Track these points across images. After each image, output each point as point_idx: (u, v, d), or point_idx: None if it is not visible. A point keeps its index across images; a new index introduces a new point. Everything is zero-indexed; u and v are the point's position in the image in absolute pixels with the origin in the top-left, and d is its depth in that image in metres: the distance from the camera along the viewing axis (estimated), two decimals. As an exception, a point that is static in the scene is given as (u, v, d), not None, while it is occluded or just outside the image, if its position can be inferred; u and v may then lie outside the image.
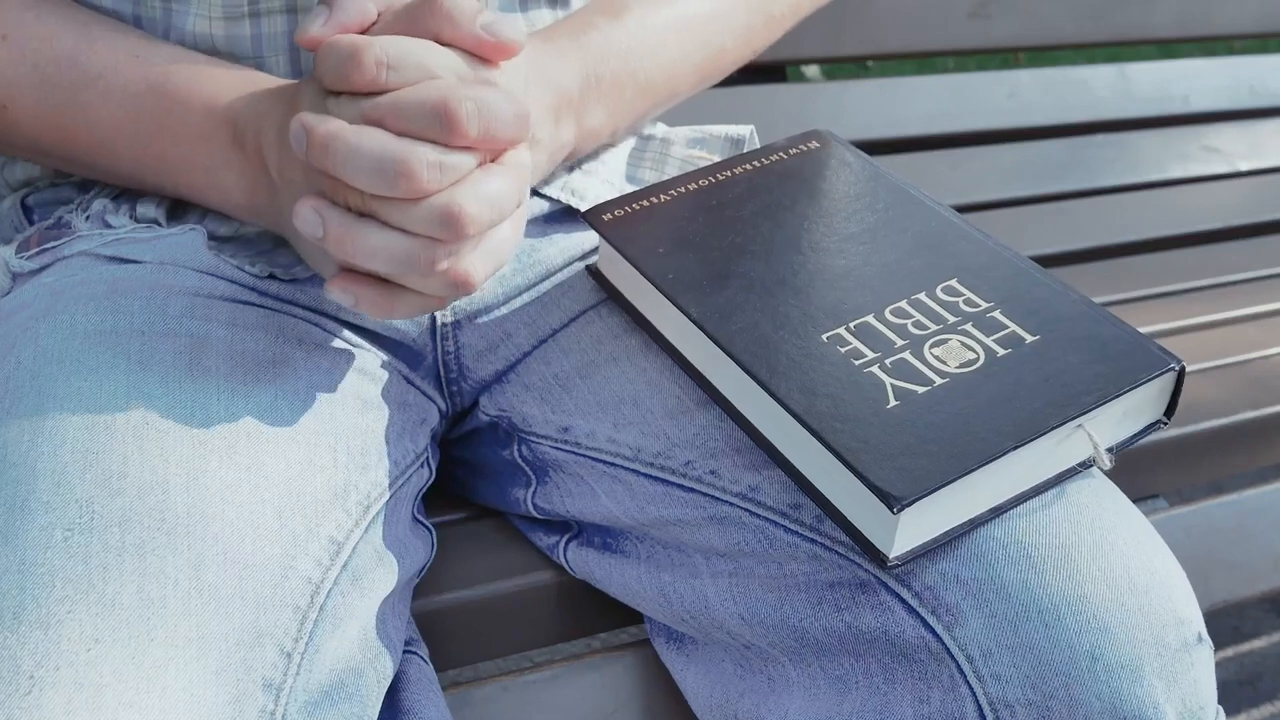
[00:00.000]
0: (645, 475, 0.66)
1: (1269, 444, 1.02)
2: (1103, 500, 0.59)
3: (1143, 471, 0.96)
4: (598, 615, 0.76)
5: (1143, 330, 0.99)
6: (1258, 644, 1.53)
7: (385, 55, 0.53)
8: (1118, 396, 0.59)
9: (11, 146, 0.68)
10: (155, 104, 0.62)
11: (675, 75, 0.74)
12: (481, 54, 0.56)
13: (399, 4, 0.57)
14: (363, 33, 0.56)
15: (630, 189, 0.77)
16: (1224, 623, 1.54)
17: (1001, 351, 0.60)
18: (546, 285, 0.73)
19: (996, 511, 0.57)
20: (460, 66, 0.55)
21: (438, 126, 0.52)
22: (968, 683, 0.55)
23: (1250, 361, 1.08)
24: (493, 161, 0.55)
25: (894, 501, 0.53)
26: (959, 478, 0.54)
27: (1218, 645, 1.48)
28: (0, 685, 0.45)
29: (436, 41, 0.55)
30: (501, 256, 0.57)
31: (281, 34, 0.66)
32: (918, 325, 0.62)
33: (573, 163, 0.75)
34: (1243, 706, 1.43)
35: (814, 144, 0.76)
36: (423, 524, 0.70)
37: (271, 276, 0.66)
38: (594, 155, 0.77)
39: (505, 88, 0.55)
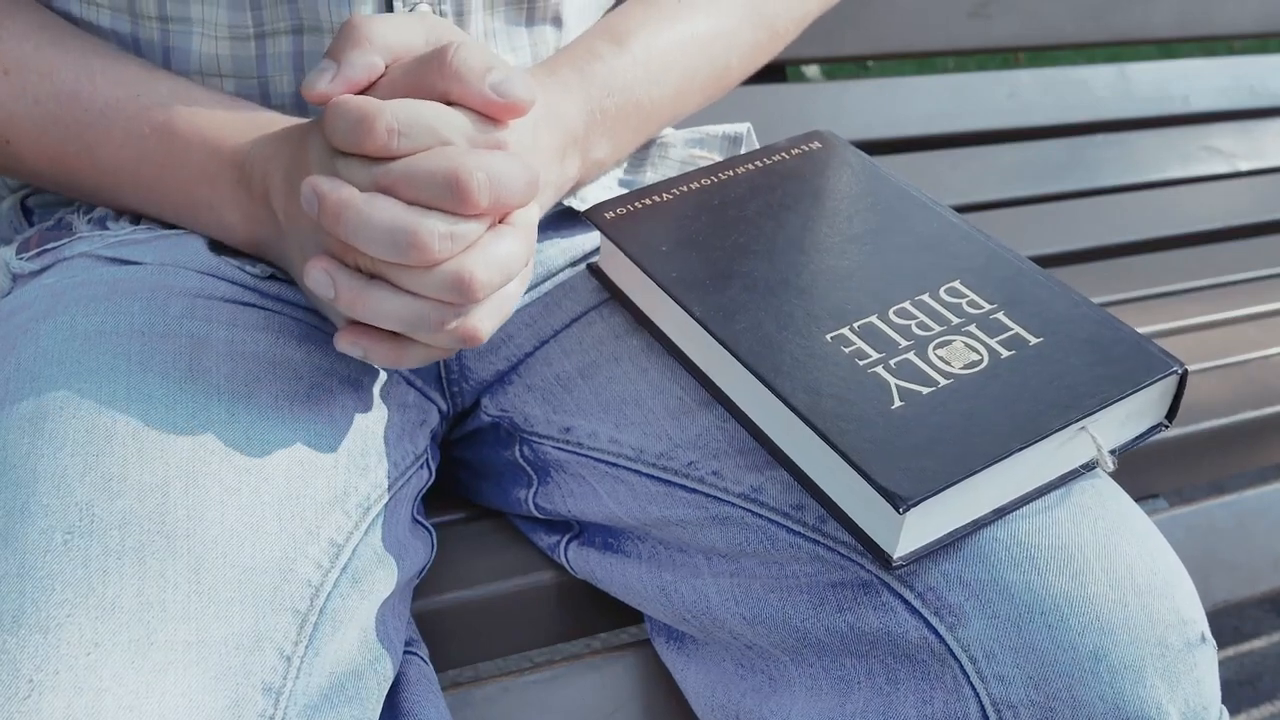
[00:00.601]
0: (647, 475, 0.66)
1: (1269, 444, 1.02)
2: (1106, 501, 0.59)
3: (1143, 471, 0.96)
4: (598, 615, 0.76)
5: (1143, 330, 1.00)
6: (1258, 644, 1.53)
7: (396, 122, 0.53)
8: (1120, 399, 0.59)
9: (15, 175, 0.68)
10: (159, 145, 0.62)
11: (681, 97, 0.74)
12: (490, 114, 0.55)
13: (407, 57, 0.56)
14: (369, 87, 0.56)
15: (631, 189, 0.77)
16: (1224, 623, 1.55)
17: (1005, 353, 0.60)
18: (548, 286, 0.73)
19: (1000, 512, 0.57)
20: (469, 129, 0.55)
21: (449, 197, 0.52)
22: (971, 684, 0.55)
23: (1250, 361, 1.08)
24: (501, 222, 0.55)
25: (900, 502, 0.53)
26: (964, 478, 0.54)
27: (1218, 645, 1.48)
28: (0, 689, 0.45)
29: (445, 100, 0.55)
30: (508, 309, 0.58)
31: (287, 54, 0.65)
32: (922, 326, 0.62)
33: None
34: (1243, 706, 1.43)
35: (815, 144, 0.76)
36: (423, 525, 0.70)
37: (272, 277, 0.65)
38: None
39: (515, 148, 0.56)
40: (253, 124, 0.61)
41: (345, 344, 0.56)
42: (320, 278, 0.54)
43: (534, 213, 0.57)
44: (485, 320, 0.56)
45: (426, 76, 0.55)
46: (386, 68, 0.56)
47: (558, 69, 0.68)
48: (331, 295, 0.54)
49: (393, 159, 0.53)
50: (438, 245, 0.52)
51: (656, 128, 0.74)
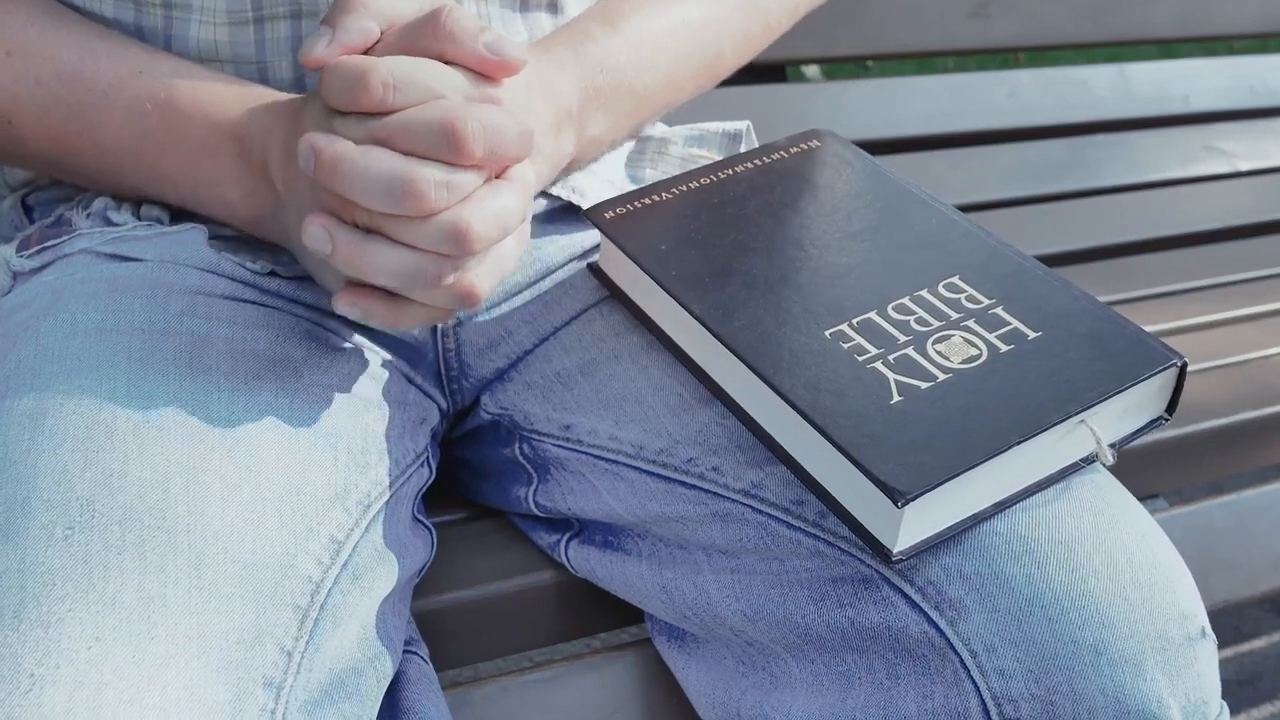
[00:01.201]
0: (647, 472, 0.66)
1: (1269, 444, 1.02)
2: (1105, 495, 0.59)
3: (1143, 471, 0.96)
4: (598, 615, 0.76)
5: (1143, 329, 0.99)
6: (1258, 644, 1.53)
7: (391, 76, 0.53)
8: (1120, 392, 0.59)
9: (16, 159, 0.68)
10: (160, 121, 0.62)
11: (673, 83, 0.74)
12: (484, 72, 0.56)
13: (401, 23, 0.57)
14: (366, 52, 0.57)
15: (631, 187, 0.77)
16: (1224, 623, 1.54)
17: (1004, 347, 0.60)
18: (547, 283, 0.73)
19: (1000, 506, 0.57)
20: (465, 85, 0.55)
21: (444, 146, 0.52)
22: (971, 678, 0.55)
23: (1250, 361, 1.08)
24: (497, 178, 0.56)
25: (899, 496, 0.53)
26: (963, 472, 0.54)
27: (1218, 645, 1.48)
28: (1, 683, 0.45)
29: (440, 61, 0.55)
30: (506, 269, 0.58)
31: (285, 39, 0.66)
32: (920, 322, 0.62)
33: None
34: (1243, 706, 1.43)
35: (815, 143, 0.76)
36: (423, 523, 0.70)
37: (273, 273, 0.65)
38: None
39: (509, 105, 0.56)
40: (252, 98, 0.62)
41: (343, 304, 0.56)
42: (318, 233, 0.54)
43: (529, 171, 0.57)
44: (483, 278, 0.56)
45: (420, 39, 0.55)
46: (382, 34, 0.57)
47: (552, 47, 0.69)
48: (329, 250, 0.54)
49: (388, 114, 0.53)
50: (434, 194, 0.52)
51: (650, 112, 0.74)
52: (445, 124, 0.52)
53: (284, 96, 0.62)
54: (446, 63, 0.55)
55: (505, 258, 0.57)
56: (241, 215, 0.63)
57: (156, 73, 0.63)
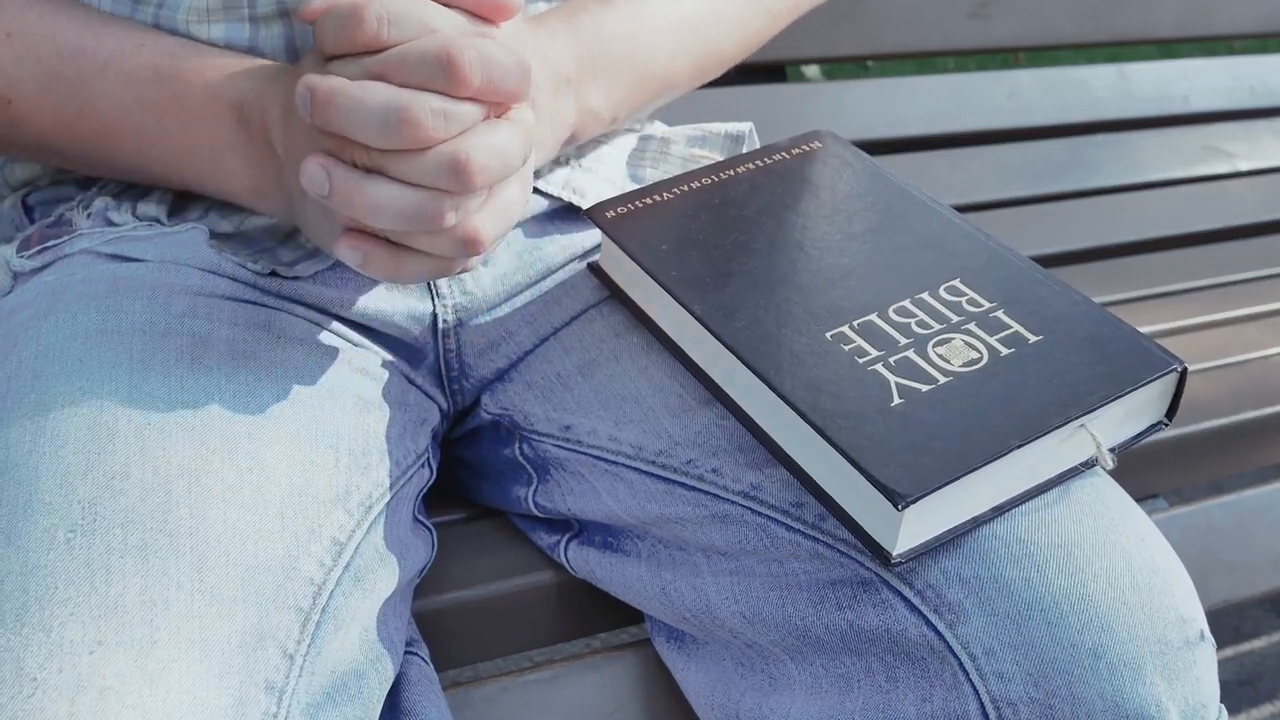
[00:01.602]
0: (647, 473, 0.66)
1: (1269, 444, 1.02)
2: (1105, 499, 0.59)
3: (1143, 471, 0.96)
4: (598, 615, 0.76)
5: (1143, 330, 0.99)
6: (1258, 644, 1.53)
7: (386, 11, 0.52)
8: (1120, 397, 0.59)
9: (14, 145, 0.68)
10: (160, 90, 0.62)
11: (672, 62, 0.74)
12: (480, 14, 0.55)
13: None
14: None
15: (632, 187, 0.77)
16: (1224, 623, 1.54)
17: (1005, 351, 0.60)
18: (547, 283, 0.73)
19: (999, 510, 0.57)
20: (461, 23, 0.55)
21: (441, 76, 0.51)
22: (970, 681, 0.55)
23: (1250, 361, 1.08)
24: (497, 117, 0.55)
25: (899, 498, 0.53)
26: (963, 475, 0.54)
27: (1217, 646, 1.48)
28: (3, 687, 0.45)
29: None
30: (510, 216, 0.56)
31: (279, 35, 0.65)
32: (921, 324, 0.62)
33: (574, 156, 0.75)
34: (1242, 706, 1.43)
35: (815, 144, 0.76)
36: (423, 524, 0.70)
37: (274, 274, 0.65)
38: (594, 153, 0.77)
39: (506, 42, 0.55)
40: (252, 66, 0.61)
41: (344, 248, 0.55)
42: (315, 172, 0.53)
43: (529, 113, 0.56)
44: (486, 222, 0.55)
45: None
46: None
47: (545, 20, 0.69)
48: (326, 191, 0.53)
49: (384, 51, 0.53)
50: (431, 121, 0.51)
51: (649, 93, 0.74)
52: (441, 52, 0.51)
53: (280, 65, 0.62)
54: (443, 4, 0.55)
55: (509, 204, 0.56)
56: (241, 184, 0.62)
57: (157, 46, 0.62)
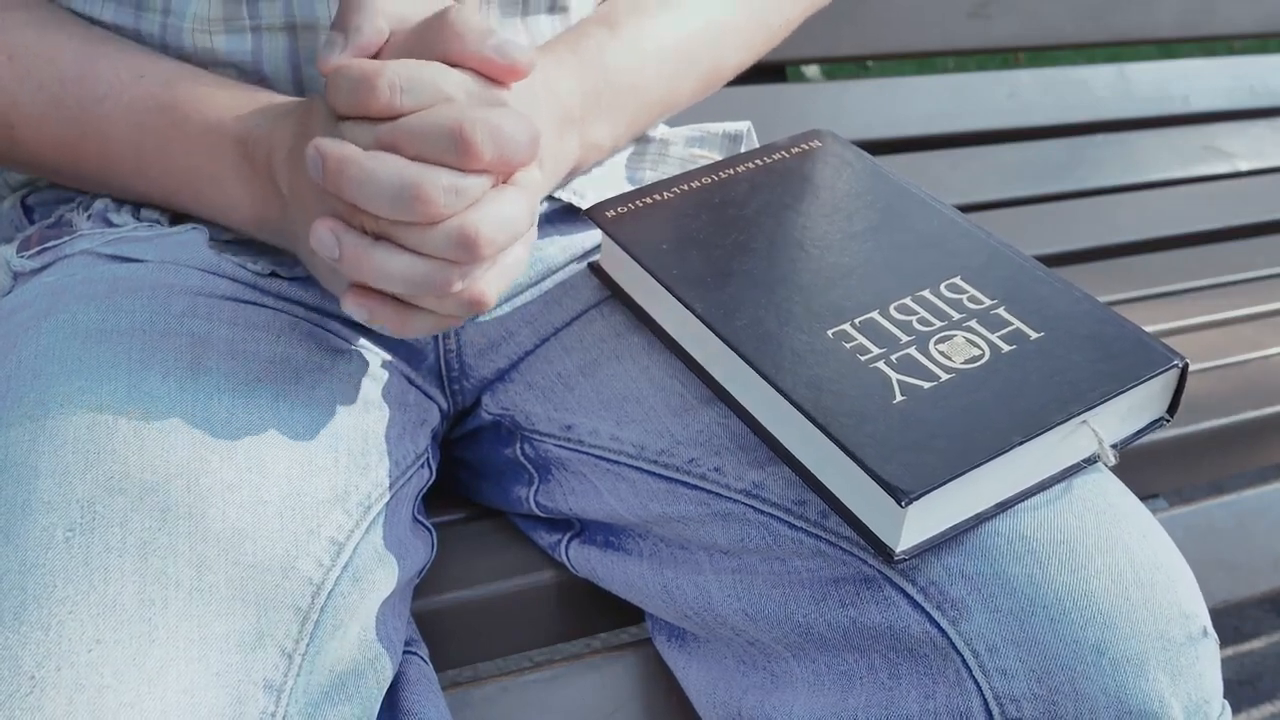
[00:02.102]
0: (648, 472, 0.66)
1: (1269, 444, 1.02)
2: (1107, 495, 0.59)
3: (1143, 471, 0.96)
4: (598, 615, 0.76)
5: (1144, 329, 0.99)
6: (1258, 644, 1.53)
7: (398, 79, 0.52)
8: (1121, 393, 0.59)
9: (18, 164, 0.68)
10: (162, 121, 0.62)
11: (674, 87, 0.74)
12: (491, 75, 0.55)
13: (408, 23, 0.56)
14: (376, 54, 0.56)
15: (631, 188, 0.77)
16: (1224, 623, 1.54)
17: (1006, 348, 0.60)
18: (548, 284, 0.73)
19: (1002, 506, 0.57)
20: (472, 87, 0.55)
21: (452, 151, 0.52)
22: (973, 677, 0.55)
23: (1250, 361, 1.08)
24: (504, 182, 0.55)
25: (902, 495, 0.53)
26: (966, 472, 0.54)
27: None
28: (1, 686, 0.45)
29: (446, 61, 0.54)
30: (514, 275, 0.57)
31: (282, 49, 0.65)
32: (922, 322, 0.62)
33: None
34: (1243, 706, 1.43)
35: (815, 143, 0.76)
36: (423, 524, 0.70)
37: (274, 274, 0.65)
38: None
39: (516, 109, 0.55)
40: (255, 101, 0.61)
41: (351, 303, 0.55)
42: (325, 236, 0.53)
43: (536, 174, 0.57)
44: (492, 284, 0.55)
45: (427, 38, 0.55)
46: (391, 33, 0.56)
47: (553, 48, 0.68)
48: (336, 255, 0.53)
49: (396, 118, 0.53)
50: (442, 199, 0.51)
51: (651, 117, 0.74)
52: (453, 128, 0.51)
53: (285, 99, 0.62)
54: (453, 64, 0.55)
55: (513, 264, 0.57)
56: (244, 214, 0.63)
57: (158, 75, 0.63)
